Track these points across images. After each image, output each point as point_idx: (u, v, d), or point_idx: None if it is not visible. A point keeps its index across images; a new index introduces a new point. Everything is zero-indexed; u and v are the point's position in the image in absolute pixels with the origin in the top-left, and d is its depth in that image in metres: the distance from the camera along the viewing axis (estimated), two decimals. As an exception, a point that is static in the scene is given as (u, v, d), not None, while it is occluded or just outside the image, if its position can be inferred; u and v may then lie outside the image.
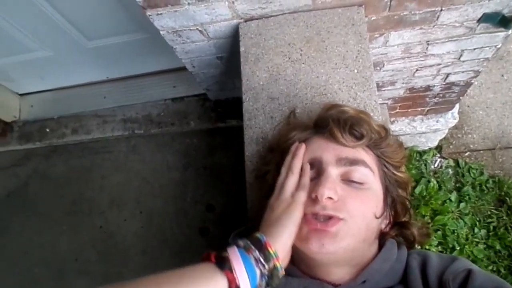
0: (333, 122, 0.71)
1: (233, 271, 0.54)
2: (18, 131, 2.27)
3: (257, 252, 0.57)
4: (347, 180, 0.68)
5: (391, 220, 0.75)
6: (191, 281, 0.53)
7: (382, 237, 0.75)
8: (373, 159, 0.72)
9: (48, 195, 2.17)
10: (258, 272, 0.56)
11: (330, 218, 0.64)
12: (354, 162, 0.68)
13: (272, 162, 0.82)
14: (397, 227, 0.77)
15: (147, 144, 2.15)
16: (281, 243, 0.61)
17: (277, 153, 0.81)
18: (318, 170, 0.70)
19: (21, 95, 2.32)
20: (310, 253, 0.64)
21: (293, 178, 0.70)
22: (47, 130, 2.23)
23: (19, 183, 2.23)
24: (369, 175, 0.69)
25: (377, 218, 0.68)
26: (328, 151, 0.70)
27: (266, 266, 0.57)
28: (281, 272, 0.59)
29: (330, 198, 0.64)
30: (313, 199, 0.65)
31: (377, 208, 0.69)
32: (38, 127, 2.25)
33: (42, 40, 1.86)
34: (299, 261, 0.72)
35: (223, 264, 0.55)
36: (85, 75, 2.16)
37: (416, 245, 0.78)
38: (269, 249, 0.59)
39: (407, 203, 0.77)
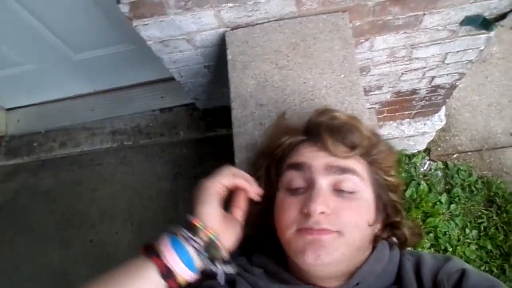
0: (325, 132, 0.70)
1: (161, 255, 0.57)
2: (5, 146, 2.25)
3: (184, 230, 0.60)
4: (338, 190, 0.67)
5: (384, 222, 0.75)
6: (125, 276, 0.57)
7: (374, 240, 0.75)
8: (364, 166, 0.71)
9: (37, 210, 2.14)
10: (191, 249, 0.59)
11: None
12: (344, 170, 0.67)
13: (262, 167, 0.81)
14: (389, 228, 0.76)
15: (136, 156, 2.14)
16: (205, 215, 0.63)
17: (267, 158, 0.80)
18: (308, 180, 0.69)
19: (7, 109, 2.30)
20: (306, 265, 0.64)
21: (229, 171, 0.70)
22: (35, 144, 2.20)
23: (7, 199, 2.20)
24: (360, 183, 0.68)
25: (370, 225, 0.68)
26: (318, 159, 0.69)
27: (198, 240, 0.60)
28: (220, 243, 0.62)
29: (323, 212, 0.64)
30: (305, 214, 0.64)
31: (370, 216, 0.68)
32: (26, 142, 2.23)
33: (28, 54, 1.85)
34: (293, 267, 0.71)
35: (150, 252, 0.58)
36: (72, 88, 2.15)
37: (408, 246, 0.78)
38: (195, 223, 0.61)
39: (399, 206, 0.76)
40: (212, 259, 0.61)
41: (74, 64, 1.92)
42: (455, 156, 2.34)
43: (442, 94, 1.71)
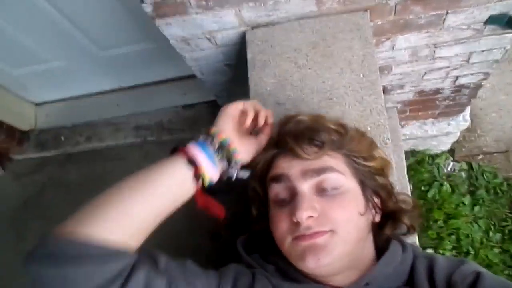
0: (291, 140, 0.72)
1: (186, 149, 0.68)
2: (34, 140, 2.32)
3: (203, 135, 0.72)
4: (320, 190, 0.69)
5: (380, 207, 0.76)
6: (156, 169, 0.66)
7: (379, 234, 0.76)
8: (340, 159, 0.72)
9: (63, 202, 2.20)
10: (210, 147, 0.70)
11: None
12: (320, 171, 0.69)
13: (251, 189, 0.82)
14: (390, 222, 0.78)
15: (159, 151, 2.17)
16: (220, 127, 0.74)
17: (253, 179, 0.81)
18: (290, 189, 0.71)
19: (36, 104, 2.38)
20: (308, 270, 0.65)
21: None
22: (62, 138, 2.27)
23: (35, 191, 2.27)
24: (340, 178, 0.69)
25: (362, 215, 0.69)
26: (293, 167, 0.71)
27: (214, 141, 0.70)
28: (231, 144, 0.72)
29: (311, 216, 0.65)
30: (295, 223, 0.66)
31: (359, 206, 0.70)
32: (53, 135, 2.30)
33: (56, 50, 1.91)
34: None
35: (177, 149, 0.69)
36: (98, 84, 2.21)
37: (414, 230, 0.80)
38: (210, 131, 0.72)
39: (389, 187, 0.78)
40: (228, 160, 0.72)
41: (100, 61, 1.97)
42: (480, 157, 2.29)
43: (467, 94, 1.68)
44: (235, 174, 0.74)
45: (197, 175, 0.66)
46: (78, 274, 0.52)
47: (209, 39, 1.22)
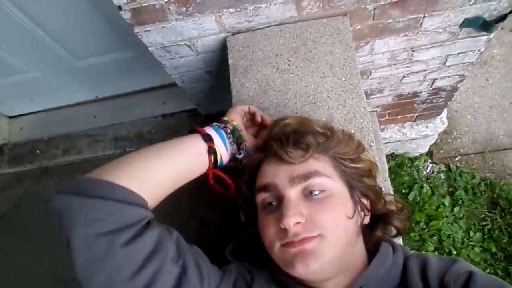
0: (276, 143, 0.72)
1: (203, 129, 0.76)
2: (8, 154, 2.25)
3: (217, 122, 0.80)
4: (307, 194, 0.68)
5: (368, 209, 0.75)
6: (175, 142, 0.73)
7: (370, 236, 0.76)
8: (327, 162, 0.72)
9: (40, 218, 2.14)
10: (223, 131, 0.78)
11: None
12: (307, 176, 0.68)
13: (241, 195, 0.81)
14: (381, 224, 0.78)
15: (139, 162, 2.14)
16: (230, 116, 0.83)
17: (241, 184, 0.81)
18: (277, 196, 0.70)
19: (10, 117, 2.31)
20: (299, 275, 0.64)
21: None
22: (38, 151, 2.21)
23: (11, 207, 2.20)
24: (326, 181, 0.69)
25: (350, 218, 0.68)
26: (280, 174, 0.70)
27: (227, 125, 0.79)
28: (242, 130, 0.81)
29: (298, 222, 0.65)
30: (283, 229, 0.65)
31: (347, 209, 0.69)
32: (29, 149, 2.23)
33: (30, 61, 1.86)
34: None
35: (195, 130, 0.76)
36: (74, 95, 2.16)
37: (403, 232, 0.80)
38: (224, 118, 0.82)
39: (378, 188, 0.77)
40: (237, 145, 0.79)
41: (76, 71, 1.93)
42: (457, 158, 2.34)
43: (444, 96, 1.72)
44: (242, 159, 0.80)
45: (211, 149, 0.73)
46: (104, 208, 0.57)
47: (189, 46, 1.21)
